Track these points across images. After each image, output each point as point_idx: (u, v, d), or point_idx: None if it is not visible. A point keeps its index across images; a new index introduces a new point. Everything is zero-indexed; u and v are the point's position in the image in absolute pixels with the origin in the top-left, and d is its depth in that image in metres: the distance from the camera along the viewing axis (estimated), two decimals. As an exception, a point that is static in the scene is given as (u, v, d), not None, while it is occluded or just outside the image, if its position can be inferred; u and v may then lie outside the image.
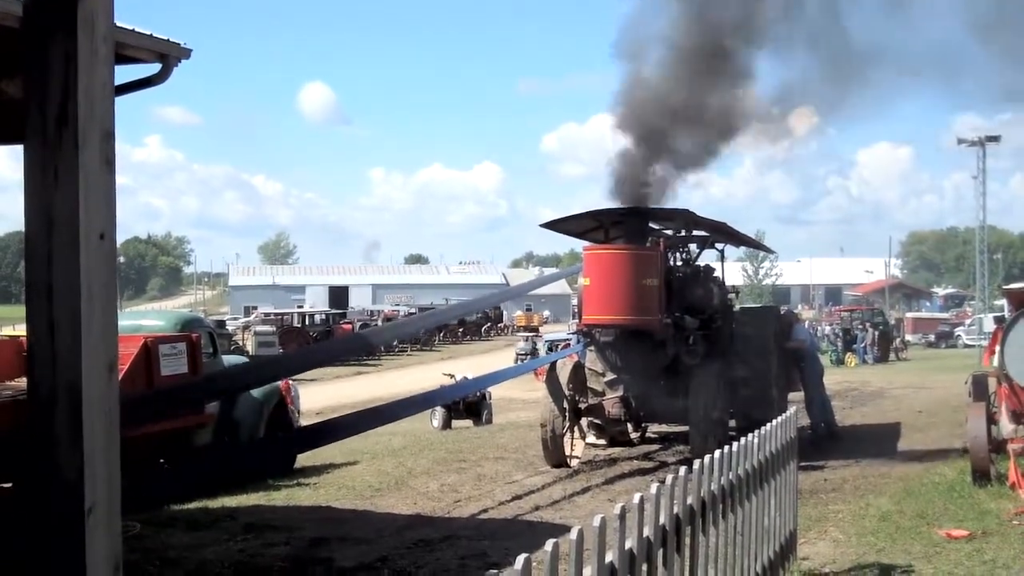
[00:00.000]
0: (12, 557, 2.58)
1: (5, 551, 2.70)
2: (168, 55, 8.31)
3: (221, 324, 49.93)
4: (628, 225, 15.65)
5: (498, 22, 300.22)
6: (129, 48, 7.79)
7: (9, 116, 6.76)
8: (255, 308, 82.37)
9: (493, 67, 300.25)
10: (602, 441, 17.16)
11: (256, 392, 14.70)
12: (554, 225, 16.86)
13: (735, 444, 6.85)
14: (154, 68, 8.39)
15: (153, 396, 11.75)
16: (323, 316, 62.59)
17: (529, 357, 38.82)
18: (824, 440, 17.64)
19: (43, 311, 2.54)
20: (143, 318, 16.21)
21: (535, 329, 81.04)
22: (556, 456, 14.92)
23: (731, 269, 20.57)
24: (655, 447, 17.27)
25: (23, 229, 2.69)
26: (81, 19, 2.49)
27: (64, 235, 2.52)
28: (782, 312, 20.52)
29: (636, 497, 5.00)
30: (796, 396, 17.95)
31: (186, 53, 8.52)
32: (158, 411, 11.44)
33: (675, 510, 5.50)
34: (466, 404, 23.14)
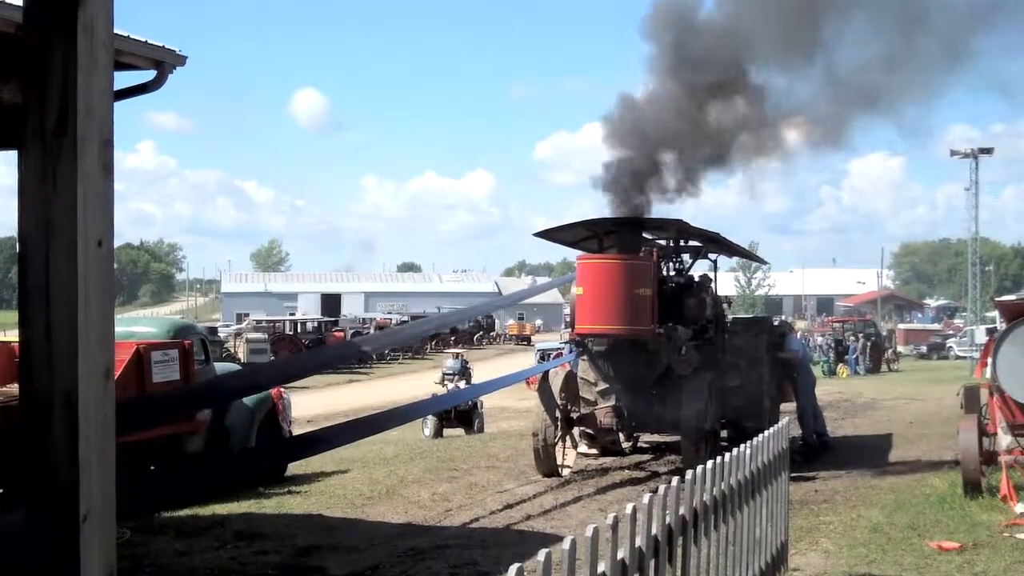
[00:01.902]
0: (6, 564, 2.58)
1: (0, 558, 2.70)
2: (163, 62, 8.32)
3: (213, 331, 49.77)
4: (621, 235, 15.67)
5: (492, 30, 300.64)
6: (125, 55, 7.79)
7: (3, 121, 6.76)
8: (247, 315, 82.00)
9: (486, 75, 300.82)
10: (594, 451, 17.17)
11: (247, 400, 14.68)
12: (547, 234, 16.89)
13: (727, 455, 6.86)
14: (149, 75, 8.39)
15: (144, 404, 11.73)
16: (315, 324, 62.48)
17: (457, 377, 37.39)
18: (815, 451, 17.68)
19: (40, 317, 2.54)
20: (135, 325, 16.16)
21: (527, 338, 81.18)
22: (548, 465, 14.92)
23: (723, 279, 20.64)
24: (647, 457, 17.28)
25: (15, 235, 2.69)
26: (81, 25, 2.49)
27: (62, 242, 2.52)
28: (776, 322, 20.60)
29: (628, 507, 5.01)
30: (788, 407, 17.98)
31: (181, 60, 8.53)
32: (149, 419, 11.42)
33: (667, 520, 5.50)
34: (457, 413, 23.14)
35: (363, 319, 78.02)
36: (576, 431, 16.27)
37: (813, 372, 20.16)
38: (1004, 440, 12.90)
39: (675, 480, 5.82)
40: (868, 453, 17.77)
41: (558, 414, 15.16)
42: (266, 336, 51.62)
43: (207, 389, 13.02)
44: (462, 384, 34.84)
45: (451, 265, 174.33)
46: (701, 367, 15.58)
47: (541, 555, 4.00)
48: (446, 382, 36.76)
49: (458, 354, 40.09)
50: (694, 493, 6.05)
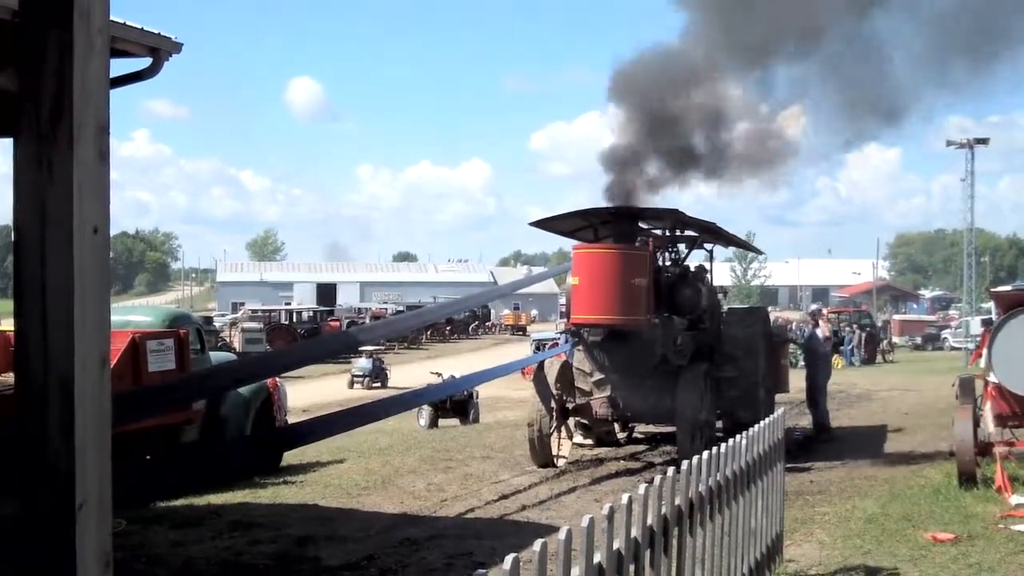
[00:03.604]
0: (2, 553, 2.57)
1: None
2: (159, 49, 8.27)
3: (209, 320, 49.87)
4: (617, 224, 15.64)
5: (488, 19, 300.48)
6: (120, 41, 7.76)
7: (-1, 109, 6.72)
8: (243, 304, 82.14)
9: (481, 65, 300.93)
10: (589, 441, 17.17)
11: (243, 389, 14.66)
12: (543, 224, 16.86)
13: (722, 445, 6.86)
14: (145, 62, 8.35)
15: (139, 394, 11.70)
16: (311, 313, 62.48)
17: (369, 380, 36.47)
18: (811, 441, 17.72)
19: (35, 306, 2.53)
20: (131, 314, 16.14)
21: (523, 328, 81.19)
22: (543, 456, 14.92)
23: (719, 269, 20.66)
24: (642, 447, 17.29)
25: (10, 223, 2.68)
26: (77, 11, 2.48)
27: (58, 229, 2.50)
28: (811, 310, 21.34)
29: (624, 497, 5.00)
30: (782, 398, 18.00)
31: (177, 47, 8.49)
32: (145, 409, 11.39)
33: (663, 511, 5.50)
34: (453, 403, 23.12)
35: (359, 309, 78.01)
36: (571, 421, 16.27)
37: (830, 365, 20.50)
38: (991, 430, 12.93)
39: (670, 471, 5.82)
40: (863, 444, 17.77)
41: (553, 404, 15.15)
42: (262, 325, 51.65)
43: (200, 380, 13.00)
44: (377, 387, 34.59)
45: (447, 255, 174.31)
46: (696, 357, 15.58)
47: (537, 545, 4.00)
48: (355, 384, 36.04)
49: (371, 354, 38.85)
50: (689, 484, 6.05)
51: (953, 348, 56.73)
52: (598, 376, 15.71)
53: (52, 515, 2.50)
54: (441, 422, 22.98)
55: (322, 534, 10.48)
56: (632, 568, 4.97)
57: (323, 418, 14.53)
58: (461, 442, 17.89)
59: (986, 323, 28.36)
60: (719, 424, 15.71)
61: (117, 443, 2.80)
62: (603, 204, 15.84)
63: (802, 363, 21.31)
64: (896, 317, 78.64)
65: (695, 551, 6.12)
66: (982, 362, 13.58)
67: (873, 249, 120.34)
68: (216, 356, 16.58)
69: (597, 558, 4.49)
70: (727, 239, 19.00)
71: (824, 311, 27.63)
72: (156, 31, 8.27)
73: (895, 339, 61.24)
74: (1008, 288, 16.91)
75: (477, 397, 24.04)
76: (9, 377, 10.89)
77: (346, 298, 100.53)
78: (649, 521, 5.26)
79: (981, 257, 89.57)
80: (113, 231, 2.75)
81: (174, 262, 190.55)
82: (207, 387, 12.39)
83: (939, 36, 16.07)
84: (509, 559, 3.82)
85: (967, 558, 9.22)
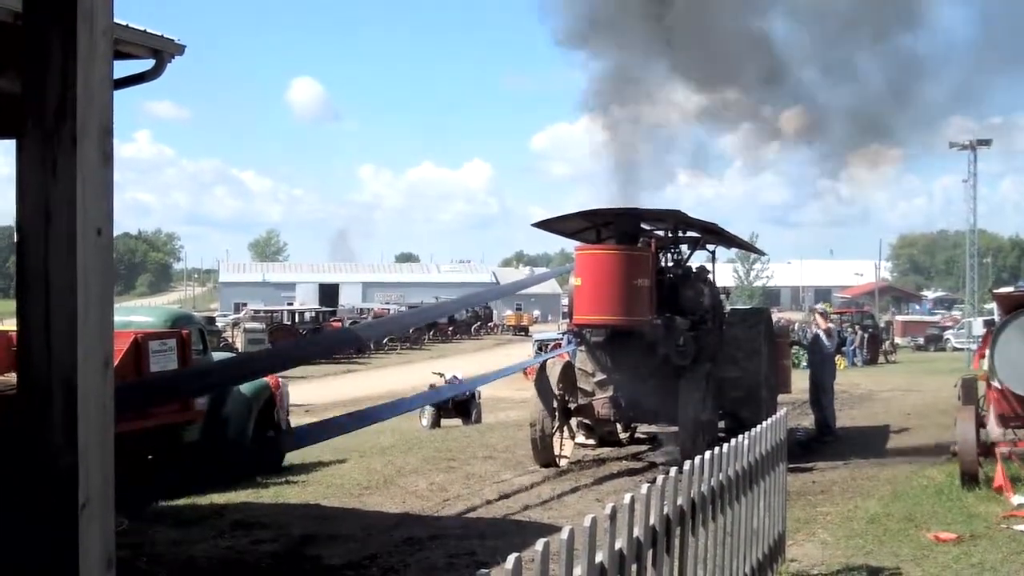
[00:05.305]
0: (6, 552, 2.57)
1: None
2: (162, 51, 8.29)
3: (211, 321, 49.80)
4: (619, 225, 15.65)
5: (490, 19, 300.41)
6: (123, 44, 7.77)
7: (2, 110, 6.74)
8: (245, 305, 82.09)
9: (483, 64, 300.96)
10: (591, 441, 17.16)
11: (245, 389, 14.66)
12: (545, 225, 16.85)
13: (725, 446, 6.86)
14: (148, 64, 8.37)
15: (138, 388, 11.68)
16: (313, 313, 62.46)
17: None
18: (814, 441, 17.72)
19: (38, 306, 2.54)
20: (133, 314, 16.14)
21: (525, 329, 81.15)
22: (545, 456, 14.92)
23: (722, 270, 20.67)
24: (644, 448, 17.27)
25: (12, 224, 2.70)
26: (81, 13, 2.49)
27: (61, 230, 2.52)
28: (820, 308, 21.42)
29: (627, 498, 5.01)
30: (784, 398, 17.99)
31: (180, 49, 8.51)
32: (144, 404, 11.39)
33: (665, 511, 5.51)
34: (455, 403, 23.10)
35: (361, 309, 77.96)
36: (574, 421, 16.27)
37: (835, 365, 20.59)
38: (995, 431, 12.92)
39: (673, 471, 5.82)
40: (866, 444, 17.76)
41: (556, 404, 15.15)
42: (264, 326, 51.64)
43: (201, 374, 13.01)
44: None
45: (449, 255, 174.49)
46: (699, 358, 15.57)
47: (539, 545, 4.00)
48: None
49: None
50: (692, 484, 6.05)
51: (955, 349, 56.68)
52: (600, 376, 15.71)
53: (55, 514, 2.51)
54: (443, 422, 22.97)
55: (324, 533, 10.49)
56: (634, 568, 4.97)
57: (328, 421, 14.57)
58: (463, 442, 17.89)
59: (988, 324, 28.36)
60: (722, 424, 15.71)
61: (119, 443, 2.80)
62: (605, 205, 15.86)
63: (805, 364, 21.33)
64: (899, 318, 78.56)
65: (697, 551, 6.13)
66: (985, 363, 13.58)
67: (876, 250, 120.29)
68: (219, 356, 16.58)
69: (599, 558, 4.50)
70: (729, 240, 18.98)
71: (827, 311, 27.70)
72: (159, 33, 8.28)
73: (897, 340, 61.16)
74: (1010, 289, 16.93)
75: (479, 397, 24.04)
76: (12, 377, 10.90)
77: (348, 298, 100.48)
78: (651, 521, 5.26)
79: (983, 258, 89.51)
80: (115, 232, 2.76)
81: (176, 262, 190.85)
82: (207, 383, 12.42)
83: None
84: (511, 559, 3.83)
85: (969, 558, 9.23)
